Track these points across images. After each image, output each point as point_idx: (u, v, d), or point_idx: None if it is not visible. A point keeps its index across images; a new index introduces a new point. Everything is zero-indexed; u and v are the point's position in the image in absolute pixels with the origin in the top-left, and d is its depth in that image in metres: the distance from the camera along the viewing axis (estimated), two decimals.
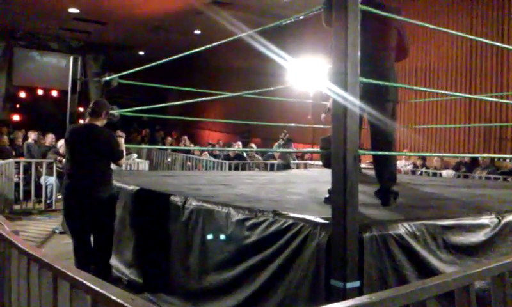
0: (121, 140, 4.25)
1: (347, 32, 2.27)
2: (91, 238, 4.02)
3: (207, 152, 10.94)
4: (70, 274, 1.45)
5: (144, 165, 10.09)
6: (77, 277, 1.40)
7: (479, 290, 2.21)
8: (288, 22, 3.46)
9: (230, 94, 5.65)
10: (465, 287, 1.51)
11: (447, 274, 2.03)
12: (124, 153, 4.30)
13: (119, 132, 4.34)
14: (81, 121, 4.71)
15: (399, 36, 3.38)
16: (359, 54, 2.33)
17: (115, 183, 4.60)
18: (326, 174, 6.04)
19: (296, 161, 10.32)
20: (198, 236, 3.32)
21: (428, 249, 2.60)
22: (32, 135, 10.15)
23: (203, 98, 5.39)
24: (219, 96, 7.59)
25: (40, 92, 18.47)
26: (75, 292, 1.44)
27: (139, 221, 4.10)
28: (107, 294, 1.20)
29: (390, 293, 1.35)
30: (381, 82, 2.95)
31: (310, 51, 11.94)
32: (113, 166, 4.18)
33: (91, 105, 4.10)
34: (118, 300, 1.16)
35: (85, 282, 1.35)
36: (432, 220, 2.72)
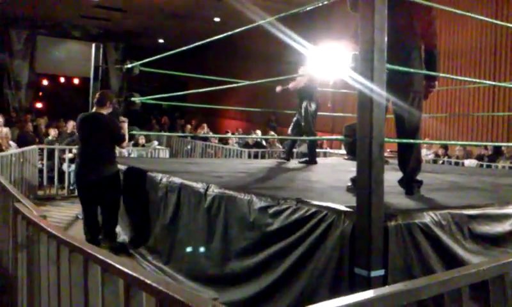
0: (125, 125, 4.73)
1: (374, 16, 2.22)
2: (99, 211, 4.62)
3: (233, 140, 11.00)
4: (101, 257, 1.45)
5: (165, 152, 10.21)
6: (109, 261, 1.39)
7: None
8: (312, 7, 3.41)
9: (248, 83, 5.63)
10: (500, 276, 1.49)
11: (480, 262, 1.99)
12: (126, 136, 4.79)
13: (122, 118, 4.80)
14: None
15: (429, 22, 3.26)
16: (386, 39, 2.28)
17: (141, 168, 4.71)
18: (347, 163, 6.01)
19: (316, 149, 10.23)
20: (220, 223, 3.33)
21: (454, 239, 2.57)
22: (52, 132, 10.08)
23: (221, 87, 5.39)
24: (238, 84, 7.57)
25: (62, 80, 18.75)
26: (107, 276, 1.45)
27: (161, 206, 4.14)
28: (142, 278, 1.19)
29: (424, 281, 1.33)
30: (405, 69, 2.90)
31: (333, 38, 11.80)
32: (125, 152, 4.59)
33: (97, 95, 4.66)
34: (153, 284, 1.14)
35: (117, 266, 1.34)
36: (458, 210, 2.68)
